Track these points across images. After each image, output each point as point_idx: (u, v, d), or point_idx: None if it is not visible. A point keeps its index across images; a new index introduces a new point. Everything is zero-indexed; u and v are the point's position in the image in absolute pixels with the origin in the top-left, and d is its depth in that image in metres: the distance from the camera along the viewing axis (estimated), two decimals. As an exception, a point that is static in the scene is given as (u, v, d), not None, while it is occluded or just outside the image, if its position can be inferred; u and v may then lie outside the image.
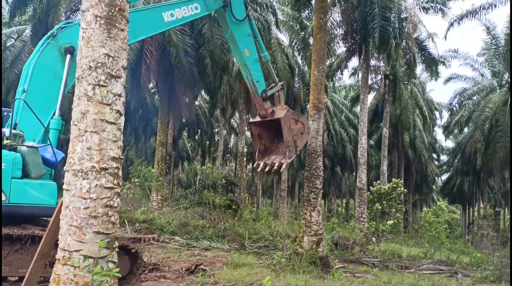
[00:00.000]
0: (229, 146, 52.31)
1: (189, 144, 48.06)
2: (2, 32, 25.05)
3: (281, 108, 9.15)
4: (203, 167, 30.15)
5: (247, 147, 45.39)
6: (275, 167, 9.25)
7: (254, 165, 9.04)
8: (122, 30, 4.11)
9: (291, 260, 10.68)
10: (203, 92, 28.82)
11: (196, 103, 37.35)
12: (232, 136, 50.96)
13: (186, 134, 44.01)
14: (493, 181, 39.79)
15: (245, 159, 38.15)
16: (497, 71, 32.31)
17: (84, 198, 3.93)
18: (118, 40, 4.06)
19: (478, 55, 33.00)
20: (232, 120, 43.74)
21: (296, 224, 20.96)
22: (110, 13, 4.02)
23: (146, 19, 7.33)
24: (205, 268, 9.72)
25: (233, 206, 19.42)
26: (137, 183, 21.49)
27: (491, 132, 31.06)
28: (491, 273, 12.46)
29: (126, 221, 14.24)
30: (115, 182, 4.07)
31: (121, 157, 4.18)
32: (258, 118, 9.23)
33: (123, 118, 4.18)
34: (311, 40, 23.15)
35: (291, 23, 26.47)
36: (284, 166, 9.06)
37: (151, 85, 25.44)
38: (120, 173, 4.18)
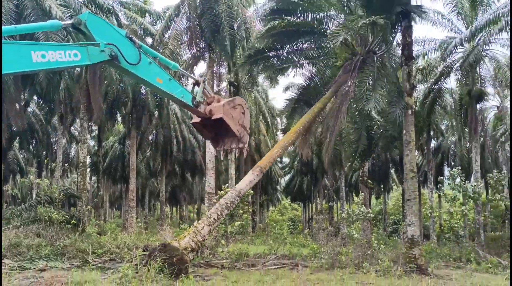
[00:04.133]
0: (70, 156, 48.47)
1: (22, 156, 43.08)
2: None
3: (216, 103, 8.68)
4: (38, 180, 27.29)
5: (90, 156, 42.58)
6: (237, 154, 9.54)
7: (215, 153, 8.91)
8: None
9: (138, 271, 10.23)
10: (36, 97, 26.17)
11: (29, 109, 33.76)
12: (73, 145, 47.31)
13: (17, 145, 39.36)
14: (327, 179, 44.40)
15: (88, 169, 35.75)
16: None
17: None
18: None
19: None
20: (72, 128, 40.59)
21: (144, 234, 20.31)
22: None
23: (9, 53, 5.93)
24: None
25: (73, 221, 17.92)
26: (-46, 203, 18.38)
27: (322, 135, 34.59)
28: (326, 262, 13.78)
29: None
30: None
31: None
32: (197, 119, 8.69)
33: None
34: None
35: (134, 26, 25.80)
36: (245, 151, 9.15)
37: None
38: None
